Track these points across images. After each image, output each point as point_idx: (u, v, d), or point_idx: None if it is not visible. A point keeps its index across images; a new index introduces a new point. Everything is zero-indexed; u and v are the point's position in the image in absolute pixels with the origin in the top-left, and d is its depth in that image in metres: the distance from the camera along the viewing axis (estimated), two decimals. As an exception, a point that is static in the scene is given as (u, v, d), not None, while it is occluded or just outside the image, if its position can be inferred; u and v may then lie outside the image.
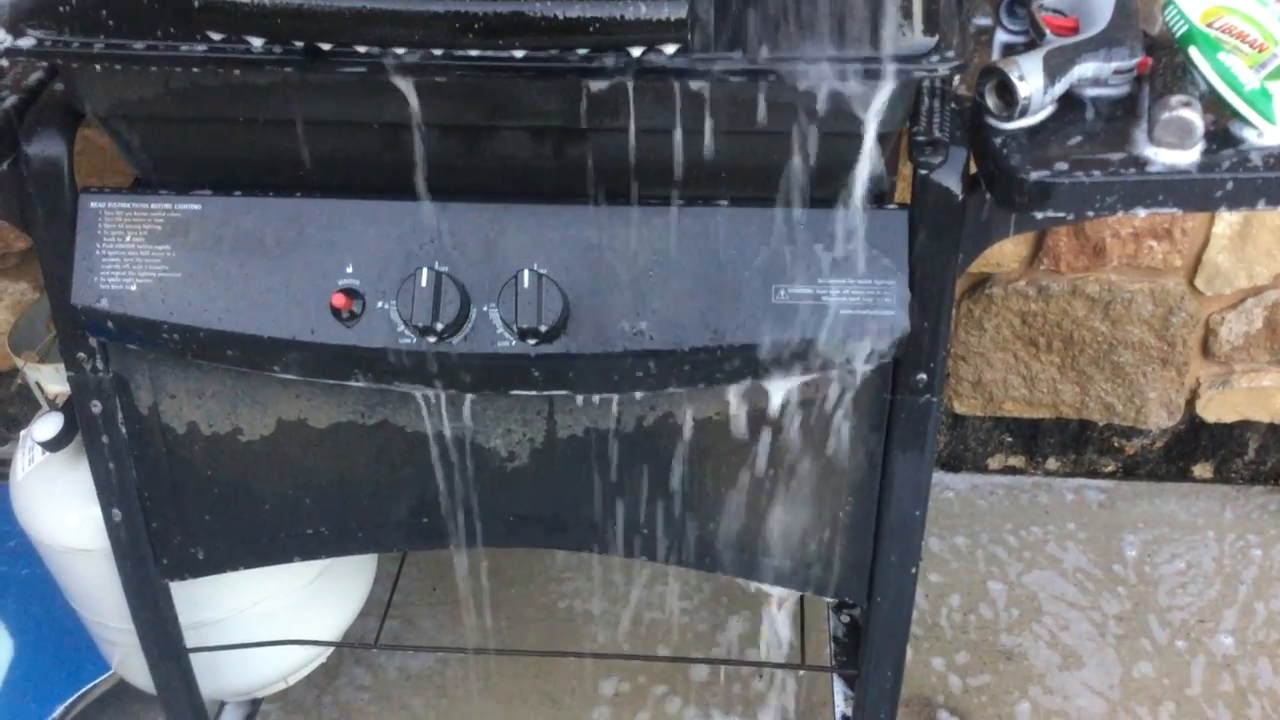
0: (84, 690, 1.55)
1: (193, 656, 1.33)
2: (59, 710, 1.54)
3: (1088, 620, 1.77)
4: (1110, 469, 2.00)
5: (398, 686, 1.70)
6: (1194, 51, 0.90)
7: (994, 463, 2.01)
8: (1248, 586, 1.82)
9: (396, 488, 1.16)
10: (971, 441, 1.99)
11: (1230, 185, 0.88)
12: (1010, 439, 1.98)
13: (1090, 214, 0.90)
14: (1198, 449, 1.97)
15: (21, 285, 1.87)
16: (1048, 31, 0.98)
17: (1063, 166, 0.88)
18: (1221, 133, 0.90)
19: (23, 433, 1.32)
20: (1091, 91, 0.95)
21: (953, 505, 1.97)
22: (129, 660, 1.41)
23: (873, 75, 0.87)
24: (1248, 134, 0.90)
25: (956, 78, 0.94)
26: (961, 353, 1.86)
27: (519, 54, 0.86)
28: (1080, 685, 1.68)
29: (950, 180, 0.95)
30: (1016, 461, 2.01)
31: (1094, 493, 1.98)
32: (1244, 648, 1.73)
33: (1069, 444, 1.97)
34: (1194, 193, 0.89)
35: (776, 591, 1.22)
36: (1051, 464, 2.00)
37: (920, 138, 0.93)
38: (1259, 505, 1.96)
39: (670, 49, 0.85)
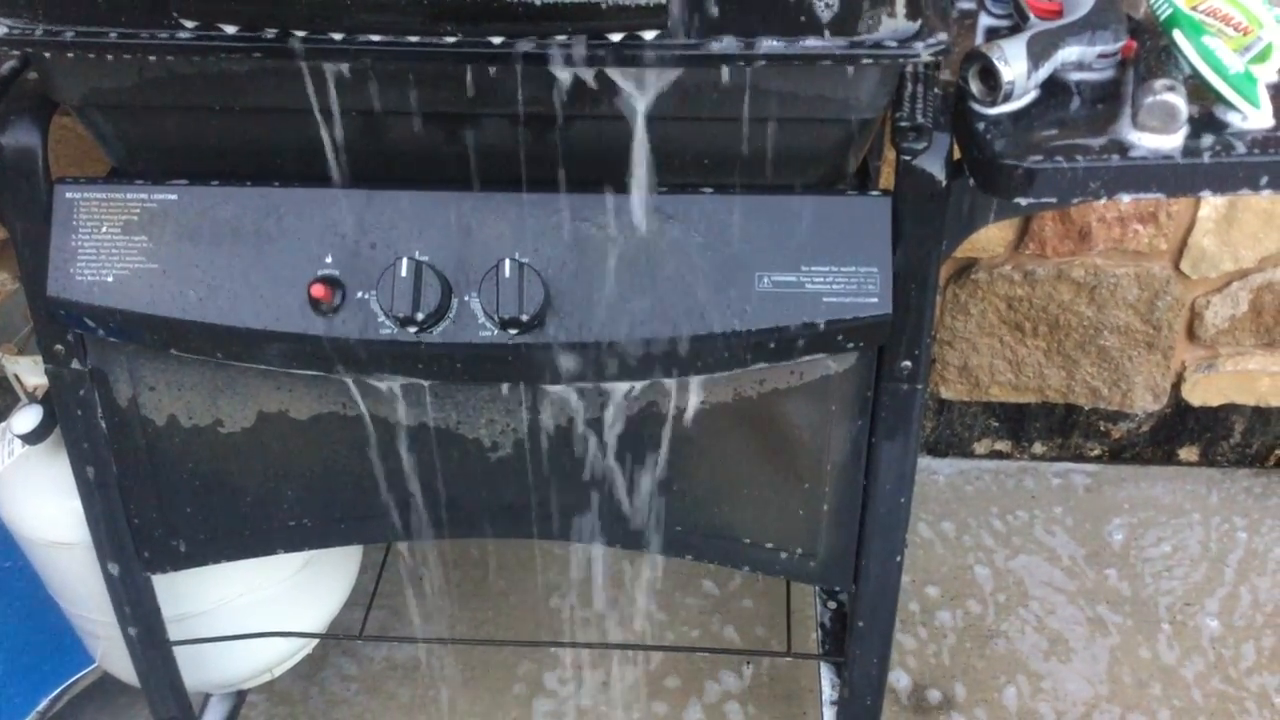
0: (68, 684, 1.55)
1: (177, 649, 1.32)
2: (43, 704, 1.53)
3: (1074, 605, 1.77)
4: (1096, 453, 2.00)
5: (384, 677, 1.69)
6: (1178, 35, 0.90)
7: (980, 447, 2.01)
8: (1233, 569, 1.82)
9: (378, 479, 1.15)
10: (958, 426, 1.99)
11: (1214, 170, 0.88)
12: (996, 424, 1.98)
13: (1074, 200, 0.89)
14: (1183, 432, 1.97)
15: (1, 275, 1.85)
16: (1031, 15, 0.97)
17: (1046, 152, 0.88)
18: (1205, 117, 0.90)
19: (2, 425, 1.31)
20: (1075, 76, 0.95)
21: (939, 490, 1.97)
22: (113, 653, 1.40)
23: (855, 60, 0.87)
24: (1232, 118, 0.89)
25: (940, 62, 0.93)
26: (947, 338, 1.86)
27: (496, 41, 0.85)
28: (1067, 669, 1.69)
29: (934, 166, 0.94)
30: (1003, 446, 2.01)
31: (1080, 477, 1.99)
32: (1230, 630, 1.73)
33: (1055, 428, 1.97)
34: (1178, 177, 0.88)
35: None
36: (1038, 448, 2.00)
37: (903, 123, 0.92)
38: (1244, 488, 1.96)
39: (649, 35, 0.84)
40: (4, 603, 1.59)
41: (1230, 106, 0.89)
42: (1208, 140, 0.88)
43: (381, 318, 0.99)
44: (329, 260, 1.00)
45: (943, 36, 0.87)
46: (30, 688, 1.54)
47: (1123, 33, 0.94)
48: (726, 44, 0.86)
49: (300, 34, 0.85)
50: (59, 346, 1.08)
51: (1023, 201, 0.90)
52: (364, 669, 1.70)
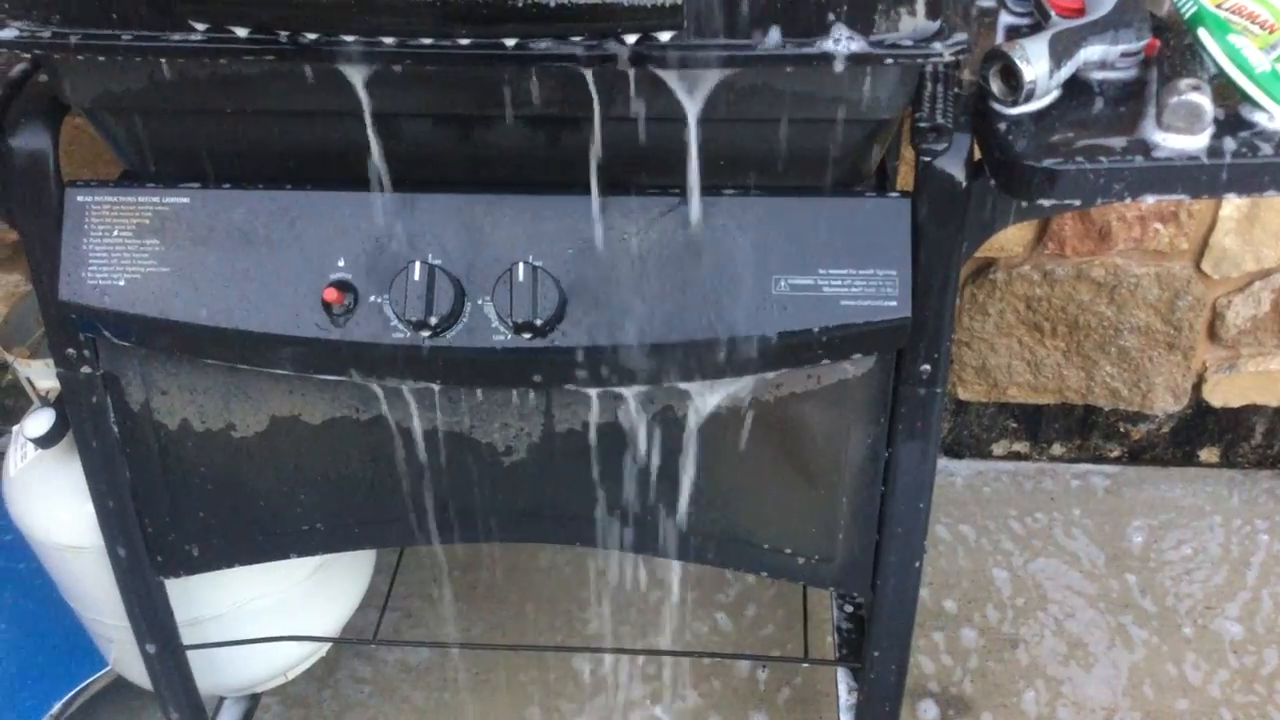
0: (81, 686, 1.54)
1: (190, 653, 1.32)
2: (56, 707, 1.53)
3: (1094, 608, 1.76)
4: (1116, 454, 1.98)
5: (398, 680, 1.69)
6: (1203, 33, 0.88)
7: (998, 449, 2.00)
8: (1255, 572, 1.80)
9: (392, 483, 1.14)
10: (975, 428, 1.97)
11: (1240, 171, 0.86)
12: (1015, 425, 1.97)
13: (1098, 202, 0.88)
14: (1204, 434, 1.95)
15: (14, 278, 1.86)
16: (1053, 14, 0.96)
17: (1069, 153, 0.86)
18: (1231, 117, 0.88)
19: (15, 428, 1.31)
20: (1098, 75, 0.93)
21: (957, 492, 1.95)
22: (126, 657, 1.40)
23: (875, 60, 0.85)
24: (1258, 118, 0.88)
25: (960, 61, 0.92)
26: (965, 338, 1.84)
27: (511, 42, 0.84)
28: (1086, 673, 1.67)
29: (954, 167, 0.93)
30: (1021, 447, 1.99)
31: (1099, 479, 1.97)
32: (1251, 633, 1.72)
33: (1074, 429, 1.96)
34: (1203, 179, 0.87)
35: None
36: (1056, 450, 1.99)
37: (923, 124, 0.91)
38: (1266, 490, 1.94)
39: (665, 36, 0.83)
40: (17, 606, 1.60)
41: (1257, 106, 0.87)
42: (1233, 141, 0.86)
43: (394, 322, 0.98)
44: (341, 264, 0.99)
45: (963, 36, 0.86)
46: (43, 691, 1.54)
47: (1146, 31, 0.93)
48: (743, 44, 0.84)
49: (312, 36, 0.84)
50: (71, 350, 1.07)
51: (1045, 203, 0.88)
52: (378, 672, 1.70)
